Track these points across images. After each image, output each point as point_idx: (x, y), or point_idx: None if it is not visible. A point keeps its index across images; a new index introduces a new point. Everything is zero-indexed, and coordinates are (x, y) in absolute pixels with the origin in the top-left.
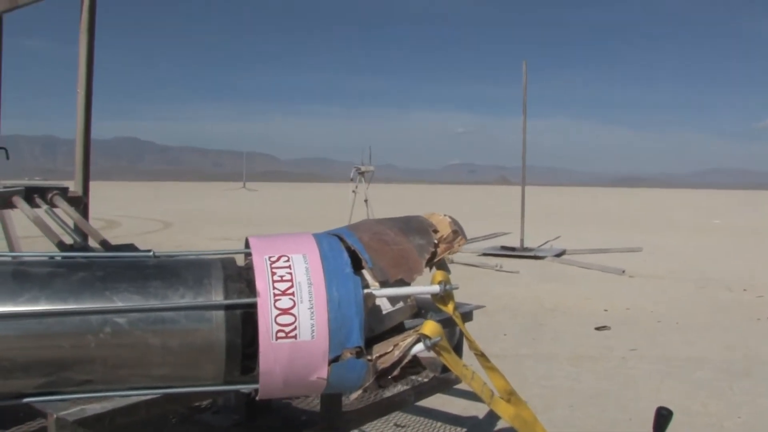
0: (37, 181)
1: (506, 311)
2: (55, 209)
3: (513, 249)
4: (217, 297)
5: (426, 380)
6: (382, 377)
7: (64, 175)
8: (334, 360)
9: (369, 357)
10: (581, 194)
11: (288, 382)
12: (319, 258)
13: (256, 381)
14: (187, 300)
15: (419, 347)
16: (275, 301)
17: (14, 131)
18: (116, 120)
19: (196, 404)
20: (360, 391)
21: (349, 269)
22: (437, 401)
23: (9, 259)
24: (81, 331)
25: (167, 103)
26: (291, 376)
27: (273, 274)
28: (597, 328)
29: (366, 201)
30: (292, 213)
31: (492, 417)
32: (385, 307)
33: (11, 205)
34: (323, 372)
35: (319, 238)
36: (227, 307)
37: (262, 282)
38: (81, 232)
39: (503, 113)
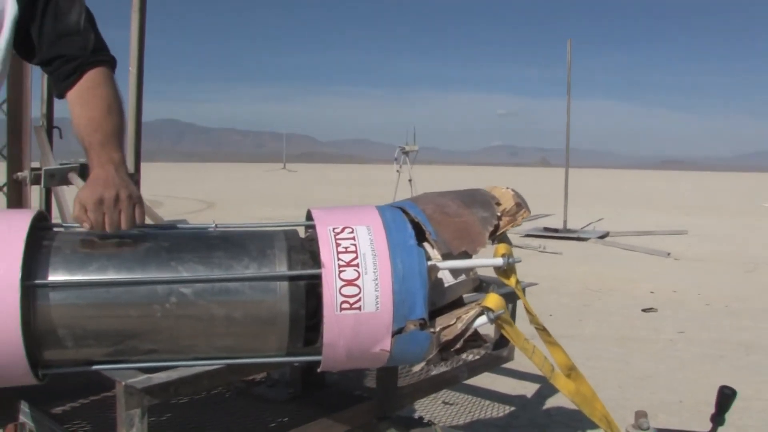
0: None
1: (551, 292)
2: None
3: (556, 230)
4: (281, 268)
5: (478, 357)
6: (445, 350)
7: (144, 155)
8: (397, 332)
9: (432, 329)
10: (624, 177)
11: (351, 354)
12: (383, 230)
13: (318, 353)
14: (252, 271)
15: (482, 320)
16: (340, 272)
17: (61, 114)
18: (157, 102)
19: (251, 378)
20: (422, 364)
21: (412, 241)
22: (485, 380)
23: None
24: (147, 300)
25: (208, 84)
26: (354, 348)
27: (337, 245)
28: (644, 310)
29: (410, 181)
30: (333, 193)
31: (540, 396)
32: (447, 279)
33: (67, 182)
34: (386, 344)
35: (382, 210)
36: (291, 278)
37: (326, 253)
38: None
39: (545, 95)
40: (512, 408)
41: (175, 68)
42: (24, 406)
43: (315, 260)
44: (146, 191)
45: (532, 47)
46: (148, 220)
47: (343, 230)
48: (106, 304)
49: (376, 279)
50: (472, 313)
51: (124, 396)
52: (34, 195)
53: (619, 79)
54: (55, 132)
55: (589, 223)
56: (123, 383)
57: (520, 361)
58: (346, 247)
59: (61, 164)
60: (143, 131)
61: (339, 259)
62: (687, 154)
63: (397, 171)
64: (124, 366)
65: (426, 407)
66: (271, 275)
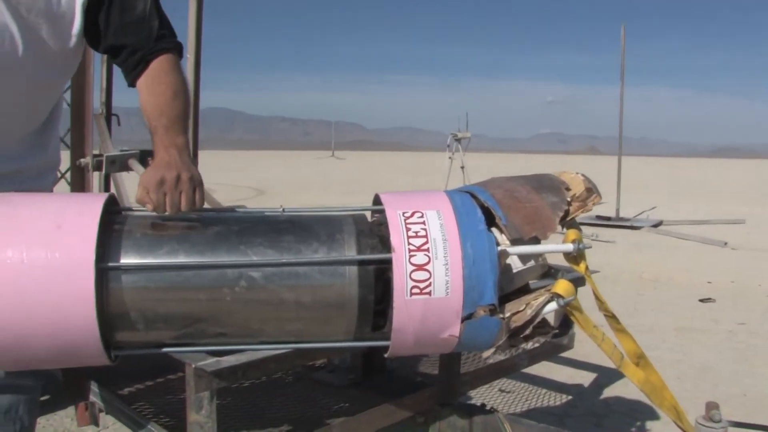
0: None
1: (605, 281)
2: None
3: (608, 219)
4: (350, 252)
5: (537, 345)
6: (514, 336)
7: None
8: (466, 318)
9: (501, 315)
10: (676, 165)
11: (419, 340)
12: (453, 214)
13: (386, 338)
14: (321, 255)
15: (552, 306)
16: (410, 257)
17: (118, 102)
18: (207, 90)
19: (312, 362)
20: (492, 350)
21: (482, 226)
22: (541, 368)
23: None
24: (217, 284)
25: (257, 73)
26: (423, 334)
27: (407, 229)
28: (701, 300)
29: (462, 168)
30: (382, 181)
31: (597, 386)
32: (515, 265)
33: (127, 168)
34: (455, 330)
35: (451, 194)
36: (360, 263)
37: (396, 237)
38: None
39: (594, 81)
40: (569, 397)
41: (225, 57)
42: (94, 387)
43: (384, 245)
44: None
45: (581, 33)
46: (206, 206)
47: (413, 215)
48: (177, 288)
49: (447, 264)
50: (541, 299)
51: (194, 378)
52: (94, 181)
53: (672, 65)
54: (114, 119)
55: (642, 212)
56: (193, 366)
57: (576, 350)
58: (416, 232)
59: (121, 151)
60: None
61: (409, 244)
62: (743, 142)
63: (450, 158)
64: (193, 349)
65: (482, 394)
66: (340, 260)
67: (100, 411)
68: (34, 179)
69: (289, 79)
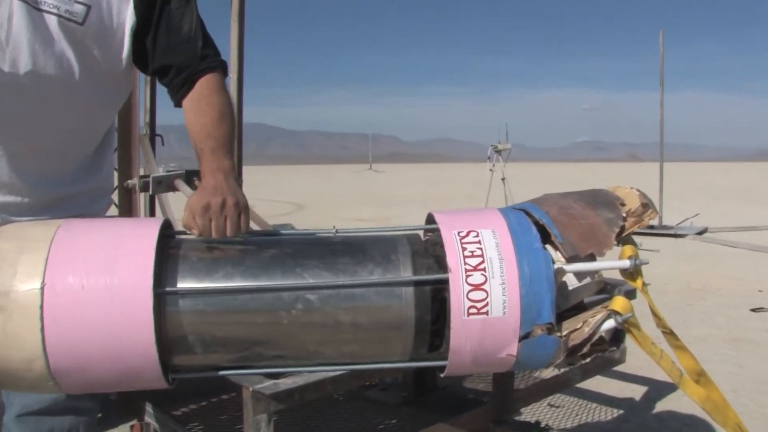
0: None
1: (652, 291)
2: None
3: (651, 227)
4: (406, 273)
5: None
6: (572, 354)
7: (193, 162)
8: (524, 337)
9: (559, 334)
10: (718, 169)
11: (477, 360)
12: (509, 233)
13: (442, 358)
14: (377, 276)
15: (610, 324)
16: (467, 276)
17: (162, 121)
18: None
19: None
20: (552, 368)
21: (538, 244)
22: (590, 382)
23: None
24: (274, 307)
25: (293, 89)
26: (480, 353)
27: (463, 249)
28: (753, 310)
29: (503, 179)
30: (421, 193)
31: (649, 399)
32: (571, 282)
33: (173, 188)
34: (513, 349)
35: (505, 212)
36: (416, 283)
37: (453, 257)
38: None
39: (631, 88)
40: (620, 411)
41: (261, 73)
42: (149, 407)
43: (439, 265)
44: None
45: (616, 40)
46: (253, 225)
47: (468, 234)
48: (234, 311)
49: (504, 283)
50: (599, 316)
51: (252, 401)
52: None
53: (711, 68)
54: (158, 140)
55: (686, 219)
56: (251, 389)
57: (626, 363)
58: (472, 251)
59: (167, 171)
60: None
61: (465, 264)
62: None
63: (490, 170)
64: (250, 372)
65: (532, 409)
66: (397, 281)
67: None
68: (88, 203)
69: (325, 93)
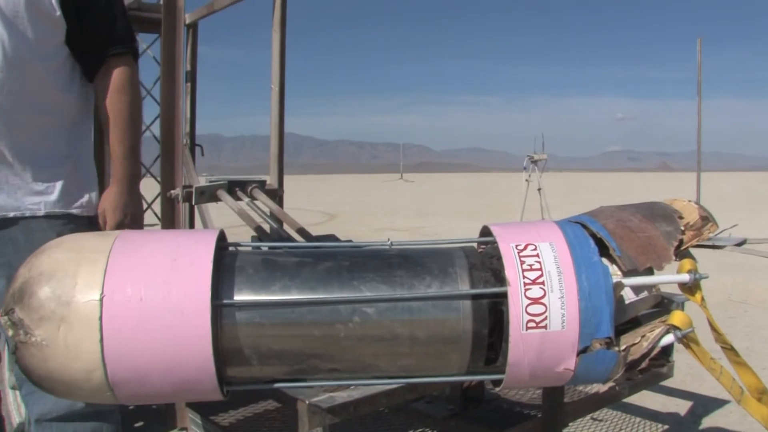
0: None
1: (691, 303)
2: (255, 201)
3: None
4: (463, 286)
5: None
6: (630, 370)
7: (227, 171)
8: (582, 351)
9: (617, 348)
10: (754, 179)
11: (534, 374)
12: (566, 246)
13: (499, 371)
14: (434, 289)
15: (669, 339)
16: (525, 290)
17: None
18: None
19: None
20: (610, 383)
21: (597, 257)
22: (633, 396)
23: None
24: (331, 320)
25: (324, 98)
26: (538, 367)
27: (522, 262)
28: None
29: (539, 189)
30: (454, 203)
31: (695, 415)
32: (628, 296)
33: (216, 199)
34: (571, 363)
35: (562, 225)
36: (474, 297)
37: (511, 271)
38: (279, 222)
39: (663, 98)
40: (665, 426)
41: (292, 82)
42: (194, 416)
43: (496, 278)
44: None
45: (649, 49)
46: (287, 227)
47: (526, 247)
48: (291, 324)
49: (562, 297)
50: (657, 331)
51: (308, 414)
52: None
53: (745, 78)
54: (198, 150)
55: (723, 230)
56: (307, 402)
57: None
58: (530, 265)
59: (210, 182)
60: (262, 145)
61: (524, 277)
62: None
63: (526, 180)
64: (305, 384)
65: (576, 423)
66: (455, 294)
67: None
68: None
69: (354, 103)
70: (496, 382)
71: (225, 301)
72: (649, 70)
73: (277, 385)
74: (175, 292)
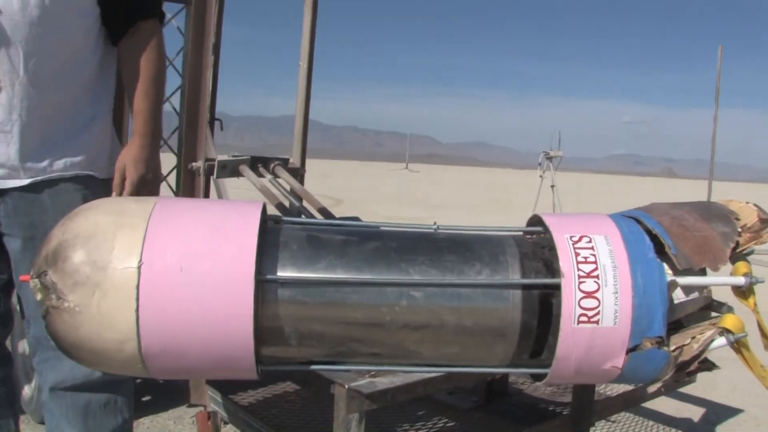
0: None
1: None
2: (278, 179)
3: None
4: (514, 275)
5: None
6: (679, 371)
7: (232, 149)
8: (632, 349)
9: (667, 348)
10: (764, 191)
11: (580, 369)
12: (622, 240)
13: (544, 365)
14: (484, 277)
15: (720, 342)
16: (580, 283)
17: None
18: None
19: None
20: (659, 384)
21: (652, 254)
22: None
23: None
24: (377, 303)
25: (332, 83)
26: (585, 363)
27: (576, 254)
28: None
29: (552, 186)
30: (460, 196)
31: (708, 422)
32: (677, 296)
33: (238, 174)
34: (619, 361)
35: (616, 219)
36: (525, 287)
37: (566, 262)
38: (300, 201)
39: (673, 104)
40: (678, 431)
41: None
42: (215, 395)
43: (548, 269)
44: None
45: (661, 55)
46: (307, 205)
47: (580, 239)
48: (335, 305)
49: (616, 292)
50: (708, 334)
51: (346, 399)
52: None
53: (757, 89)
54: (216, 124)
55: None
56: (346, 386)
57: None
58: (585, 257)
59: (233, 156)
60: (269, 126)
61: (579, 270)
62: None
63: (540, 176)
64: (343, 368)
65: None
66: (507, 283)
67: (224, 422)
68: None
69: (362, 90)
70: (538, 377)
71: (268, 277)
72: (660, 75)
73: (313, 367)
74: (219, 264)
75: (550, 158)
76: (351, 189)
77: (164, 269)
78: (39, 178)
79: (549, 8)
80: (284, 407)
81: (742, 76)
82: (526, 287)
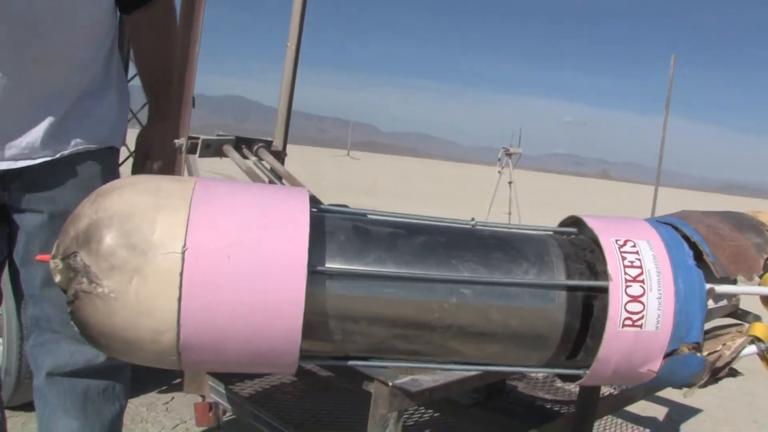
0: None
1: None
2: (262, 162)
3: None
4: (560, 276)
5: None
6: (712, 376)
7: (208, 130)
8: (669, 353)
9: (701, 354)
10: (700, 198)
11: (617, 372)
12: (664, 246)
13: (578, 366)
14: (531, 277)
15: (751, 350)
16: (626, 287)
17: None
18: (226, 77)
19: None
20: (694, 389)
21: (692, 261)
22: None
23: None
24: (427, 299)
25: (276, 64)
26: (624, 366)
27: (623, 258)
28: None
29: (510, 183)
30: (404, 186)
31: (672, 421)
32: (708, 303)
33: (221, 154)
34: (656, 365)
35: (654, 224)
36: (571, 288)
37: (614, 266)
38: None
39: (613, 107)
40: (646, 429)
41: (242, 45)
42: (217, 385)
43: (591, 271)
44: (211, 167)
45: (605, 58)
46: (286, 183)
47: (625, 243)
48: (385, 300)
49: (660, 297)
50: (739, 341)
51: (389, 397)
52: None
53: (688, 97)
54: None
55: None
56: (389, 384)
57: None
58: (631, 262)
59: (218, 135)
60: (209, 106)
61: (626, 273)
62: (755, 180)
63: (499, 172)
64: (383, 364)
65: None
66: (555, 284)
67: (225, 413)
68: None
69: (307, 74)
70: (571, 377)
71: (318, 268)
72: (603, 78)
73: (350, 362)
74: (270, 253)
75: (509, 155)
76: (297, 174)
77: (210, 256)
78: (57, 155)
79: (498, 6)
80: (282, 398)
81: (684, 85)
82: (572, 288)
